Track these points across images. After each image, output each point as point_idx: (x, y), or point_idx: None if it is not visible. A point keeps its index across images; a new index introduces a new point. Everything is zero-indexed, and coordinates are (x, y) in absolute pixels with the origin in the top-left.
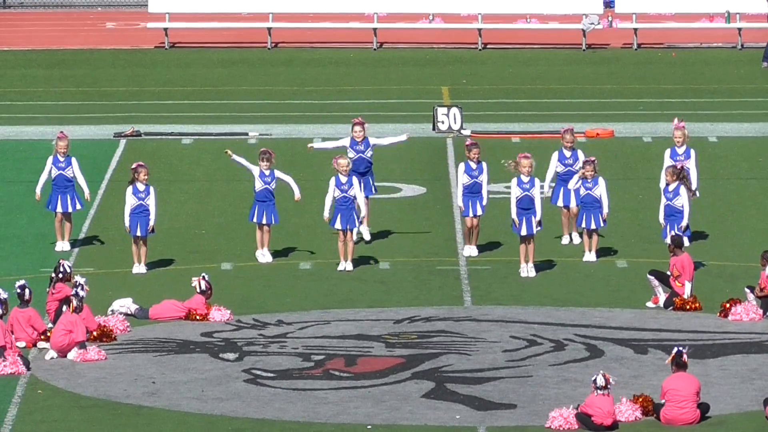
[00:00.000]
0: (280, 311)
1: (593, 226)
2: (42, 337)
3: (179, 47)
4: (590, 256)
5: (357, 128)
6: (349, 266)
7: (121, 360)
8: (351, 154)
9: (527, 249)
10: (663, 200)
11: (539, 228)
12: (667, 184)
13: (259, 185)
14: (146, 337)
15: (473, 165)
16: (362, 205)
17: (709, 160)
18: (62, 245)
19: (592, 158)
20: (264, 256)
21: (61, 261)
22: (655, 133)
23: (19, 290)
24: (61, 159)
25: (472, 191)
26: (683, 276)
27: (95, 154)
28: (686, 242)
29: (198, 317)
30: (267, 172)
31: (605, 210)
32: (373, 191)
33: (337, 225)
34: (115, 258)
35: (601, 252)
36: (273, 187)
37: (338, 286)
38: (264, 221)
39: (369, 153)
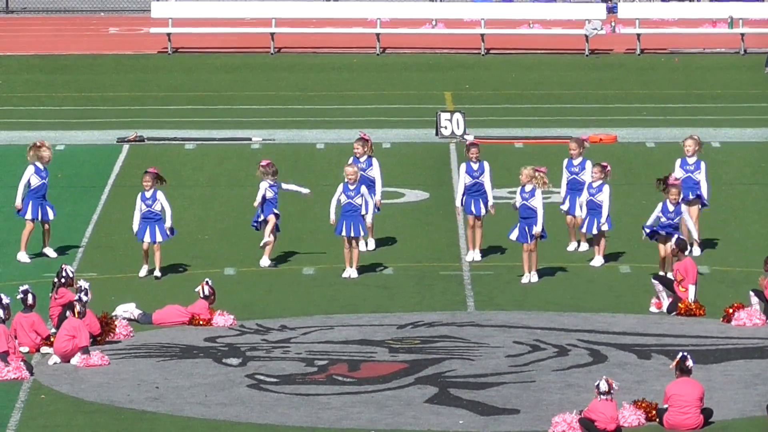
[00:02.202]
0: (283, 316)
1: (594, 231)
2: (45, 342)
3: (182, 52)
4: (594, 261)
5: (356, 144)
6: (354, 273)
7: (125, 365)
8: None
9: (529, 257)
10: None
11: (543, 238)
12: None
13: (270, 194)
14: (149, 342)
15: (474, 165)
16: (369, 214)
17: (711, 166)
18: (48, 251)
19: (604, 163)
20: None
21: (63, 266)
22: (658, 138)
23: (22, 295)
24: (42, 168)
25: (474, 191)
26: (687, 280)
27: (98, 160)
28: (698, 251)
29: (201, 322)
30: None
31: (602, 217)
32: (376, 210)
33: (342, 232)
34: (118, 263)
35: (605, 257)
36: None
37: (341, 291)
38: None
39: (370, 171)
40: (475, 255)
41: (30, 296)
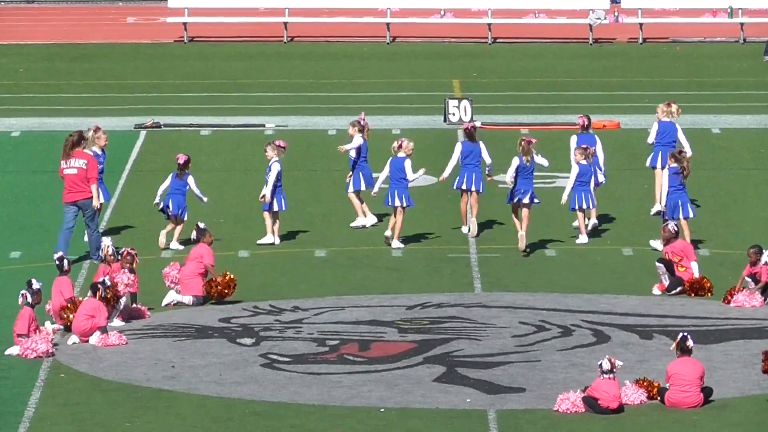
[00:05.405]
0: (295, 297)
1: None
2: (68, 305)
3: (198, 41)
4: (578, 239)
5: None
6: (395, 243)
7: (142, 345)
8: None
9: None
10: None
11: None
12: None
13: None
14: (165, 322)
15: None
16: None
17: (712, 151)
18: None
19: (584, 145)
20: (269, 238)
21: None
22: None
23: (57, 261)
24: (100, 152)
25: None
26: (687, 258)
27: (116, 145)
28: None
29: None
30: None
31: (564, 196)
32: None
33: (388, 202)
34: (136, 245)
35: (608, 240)
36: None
37: (352, 273)
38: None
39: (352, 152)
40: (470, 226)
41: (65, 261)
